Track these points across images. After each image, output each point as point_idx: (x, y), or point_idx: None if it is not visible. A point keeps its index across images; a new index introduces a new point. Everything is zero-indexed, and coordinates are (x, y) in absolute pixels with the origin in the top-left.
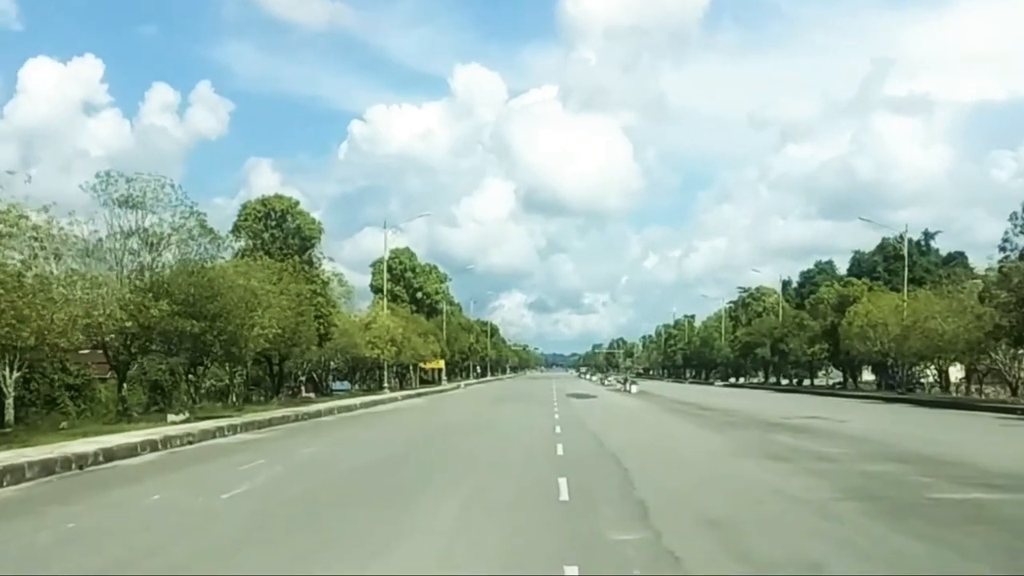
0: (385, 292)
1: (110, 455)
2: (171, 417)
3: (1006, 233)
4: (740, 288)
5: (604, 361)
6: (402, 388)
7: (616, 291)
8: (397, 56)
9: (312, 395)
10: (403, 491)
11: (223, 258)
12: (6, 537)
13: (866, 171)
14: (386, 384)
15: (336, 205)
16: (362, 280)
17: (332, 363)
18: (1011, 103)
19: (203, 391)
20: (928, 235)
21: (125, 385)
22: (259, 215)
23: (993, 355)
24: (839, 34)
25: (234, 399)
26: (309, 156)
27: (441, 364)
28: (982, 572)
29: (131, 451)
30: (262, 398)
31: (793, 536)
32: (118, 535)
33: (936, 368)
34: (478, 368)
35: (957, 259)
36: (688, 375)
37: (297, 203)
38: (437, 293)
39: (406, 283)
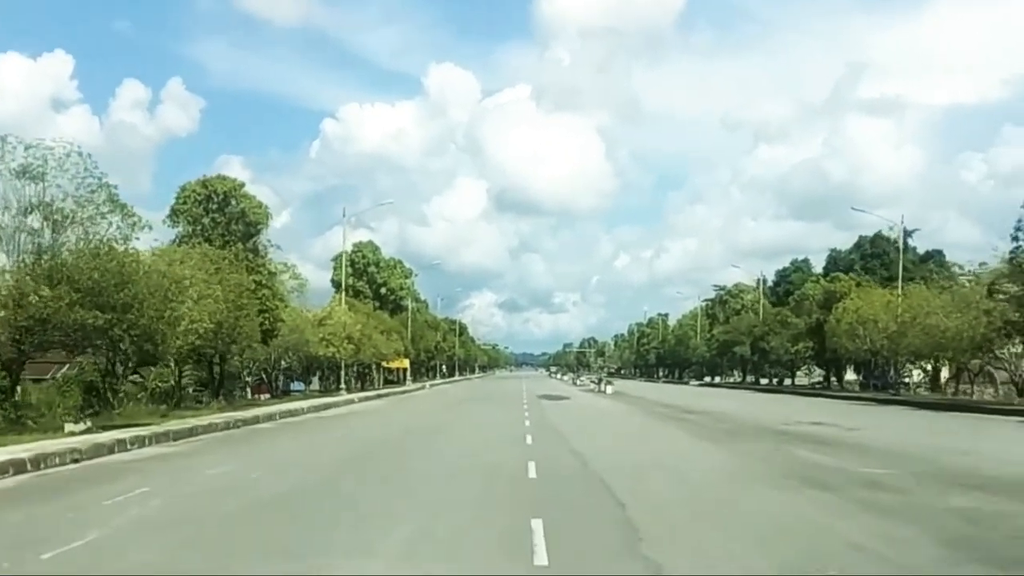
0: (343, 285)
1: None
2: (69, 426)
3: (1020, 221)
4: (716, 286)
5: (575, 360)
6: (363, 389)
7: (587, 291)
8: (370, 54)
9: (265, 396)
10: (309, 545)
11: (138, 239)
12: None
13: (838, 172)
14: (343, 385)
15: (307, 203)
16: (328, 278)
17: (284, 362)
18: (981, 107)
19: (148, 392)
20: (906, 233)
21: (20, 388)
22: (199, 198)
23: (999, 353)
24: (812, 37)
25: (177, 402)
26: (280, 154)
27: (405, 363)
28: None
29: None
30: (211, 400)
31: None
32: None
33: (923, 367)
34: (444, 368)
35: (935, 257)
36: (661, 374)
37: (242, 184)
38: (402, 289)
39: (369, 278)
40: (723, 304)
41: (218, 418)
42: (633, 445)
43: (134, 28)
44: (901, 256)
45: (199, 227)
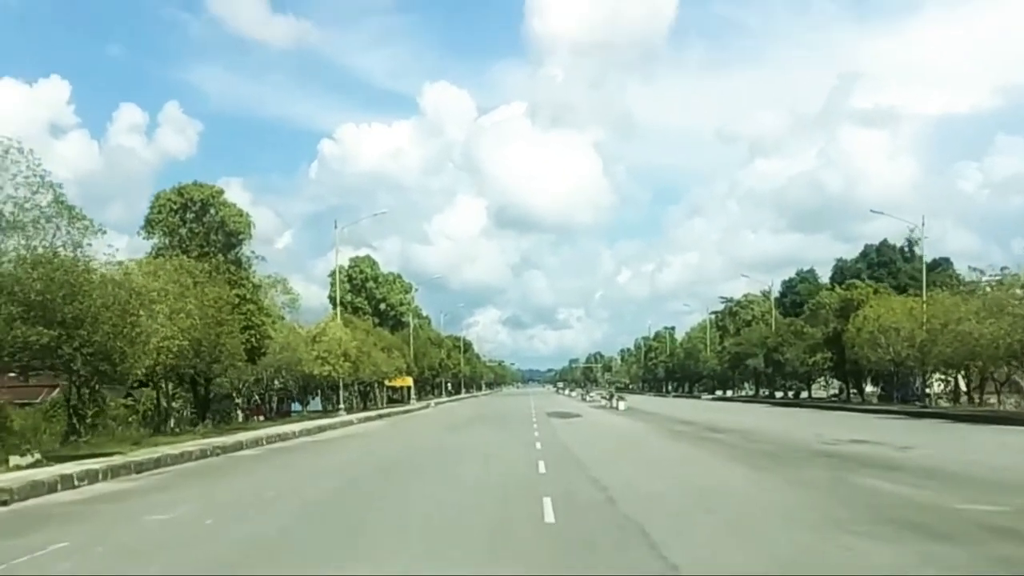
0: (337, 299)
1: None
2: (14, 459)
3: None
4: (722, 298)
5: (582, 376)
6: (365, 408)
7: (590, 306)
8: (366, 75)
9: (262, 418)
10: None
11: (90, 245)
12: None
13: (834, 184)
14: (342, 405)
15: (307, 224)
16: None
17: (277, 382)
18: (974, 116)
19: (139, 415)
20: (911, 241)
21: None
22: (175, 207)
23: None
24: (805, 49)
25: (158, 426)
26: (279, 175)
27: (409, 381)
28: None
29: None
30: (198, 424)
31: None
32: None
33: (943, 377)
34: (449, 386)
35: (942, 265)
36: (670, 389)
37: (221, 192)
38: (402, 304)
39: (368, 294)
40: (733, 315)
41: (195, 445)
42: (663, 473)
43: (129, 53)
44: (923, 262)
45: (176, 238)
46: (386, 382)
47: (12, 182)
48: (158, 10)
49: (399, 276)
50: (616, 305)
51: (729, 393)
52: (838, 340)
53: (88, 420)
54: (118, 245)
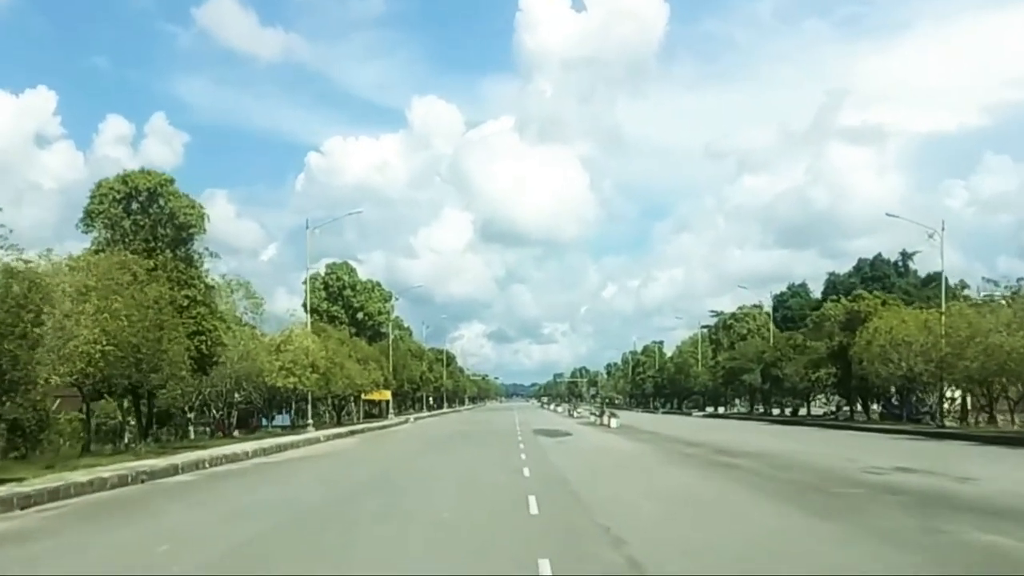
0: (307, 304)
1: None
2: None
3: None
4: (713, 312)
5: (567, 390)
6: (339, 423)
7: (575, 321)
8: (354, 88)
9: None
10: None
11: None
12: None
13: (822, 200)
14: (310, 420)
15: (293, 236)
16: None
17: (238, 395)
18: (961, 134)
19: (91, 431)
20: (906, 255)
21: None
22: (118, 196)
23: None
24: (794, 66)
25: (87, 445)
26: (265, 188)
27: (387, 395)
28: None
29: None
30: (150, 440)
31: None
32: None
33: (951, 395)
34: (430, 400)
35: (936, 280)
36: (657, 404)
37: (171, 180)
38: (381, 314)
39: (345, 302)
40: (727, 329)
41: (116, 470)
42: (693, 519)
43: (115, 64)
44: (943, 264)
45: (118, 232)
46: (362, 396)
47: None
48: (146, 22)
49: (378, 284)
50: (601, 320)
51: (721, 410)
52: (843, 354)
53: (29, 435)
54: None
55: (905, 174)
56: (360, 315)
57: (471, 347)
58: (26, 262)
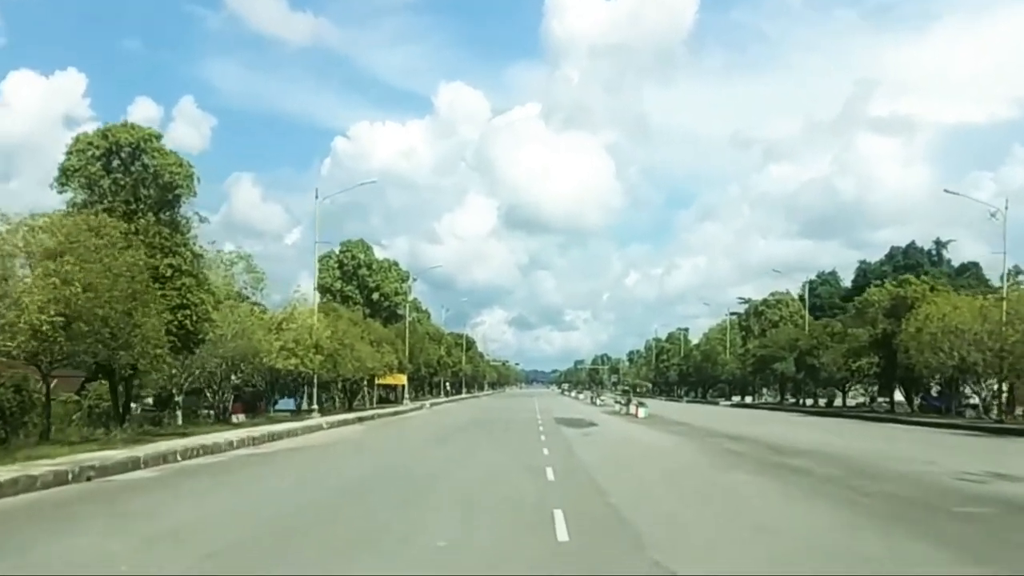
0: (315, 279)
1: None
2: None
3: None
4: (741, 299)
5: (588, 377)
6: (350, 408)
7: (597, 308)
8: (381, 74)
9: (241, 417)
10: None
11: None
12: None
13: (848, 190)
14: (313, 405)
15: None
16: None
17: (234, 377)
18: (990, 125)
19: (84, 413)
20: (940, 244)
21: None
22: (98, 153)
23: None
24: (822, 56)
25: (43, 432)
26: (292, 172)
27: (402, 380)
28: None
29: None
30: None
31: None
32: None
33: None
34: (448, 385)
35: (971, 269)
36: (681, 393)
37: (157, 136)
38: (397, 294)
39: (360, 281)
40: (758, 316)
41: (56, 464)
42: (774, 549)
43: (145, 47)
44: (1005, 246)
45: (97, 192)
46: (376, 380)
47: None
48: (177, 5)
49: (395, 264)
50: (623, 307)
51: (748, 399)
52: (887, 343)
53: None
54: None
55: (933, 165)
56: (375, 295)
57: (492, 333)
58: None
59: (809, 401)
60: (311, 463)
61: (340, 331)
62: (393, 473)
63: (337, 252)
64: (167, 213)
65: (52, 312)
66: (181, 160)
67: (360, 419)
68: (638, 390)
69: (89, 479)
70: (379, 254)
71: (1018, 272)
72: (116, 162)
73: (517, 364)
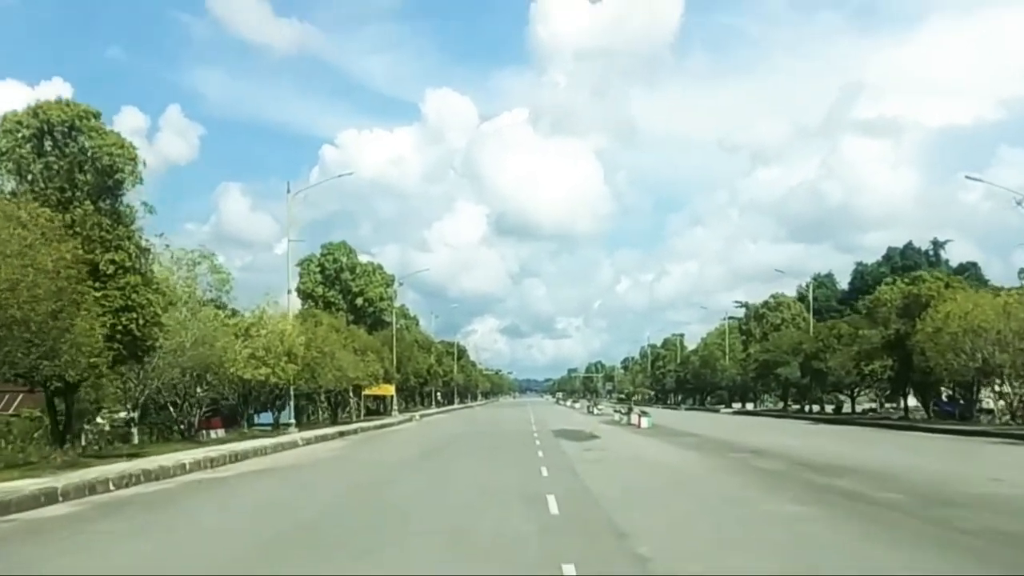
0: (288, 281)
1: None
2: None
3: None
4: (737, 302)
5: (582, 386)
6: (334, 422)
7: (589, 315)
8: (368, 80)
9: (219, 433)
10: None
11: None
12: None
13: (835, 194)
14: (290, 419)
15: (307, 230)
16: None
17: (200, 389)
18: (976, 127)
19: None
20: (937, 244)
21: None
22: (28, 134)
23: None
24: (807, 59)
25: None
26: (280, 180)
27: (390, 390)
28: None
29: None
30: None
31: None
32: None
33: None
34: (439, 396)
35: (970, 269)
36: (678, 400)
37: (96, 114)
38: (382, 300)
39: (343, 286)
40: (759, 319)
41: None
42: None
43: (128, 55)
44: None
45: (27, 178)
46: (363, 391)
47: None
48: (160, 12)
49: (380, 267)
50: (615, 314)
51: (749, 406)
52: (902, 344)
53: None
54: None
55: (920, 167)
56: (359, 301)
57: (484, 342)
58: None
59: (815, 407)
60: (269, 491)
61: (319, 338)
62: (362, 504)
63: (319, 256)
64: (107, 202)
65: None
66: (123, 141)
67: (342, 434)
68: (636, 398)
69: None
70: (363, 258)
71: None
72: (48, 144)
73: (510, 373)
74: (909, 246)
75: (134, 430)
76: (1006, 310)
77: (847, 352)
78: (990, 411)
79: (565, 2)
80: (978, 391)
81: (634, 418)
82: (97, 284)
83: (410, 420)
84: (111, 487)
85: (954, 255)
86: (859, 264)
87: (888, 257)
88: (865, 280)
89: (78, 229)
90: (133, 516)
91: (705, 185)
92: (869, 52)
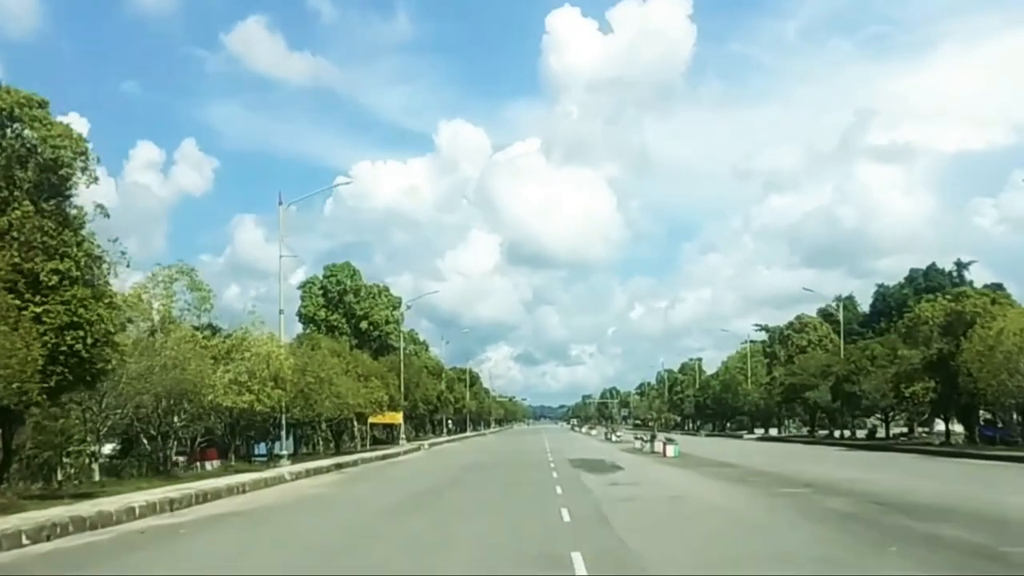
0: (280, 295)
1: None
2: None
3: None
4: (757, 326)
5: (597, 412)
6: (338, 452)
7: (603, 342)
8: (382, 113)
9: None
10: None
11: None
12: None
13: (849, 220)
14: (282, 451)
15: (322, 260)
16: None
17: (177, 419)
18: (989, 152)
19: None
20: (961, 265)
21: None
22: None
23: None
24: (820, 86)
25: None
26: (295, 212)
27: (397, 418)
28: None
29: None
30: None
31: None
32: None
33: None
34: (450, 424)
35: (996, 290)
36: (696, 426)
37: (42, 103)
38: (388, 323)
39: (346, 309)
40: (784, 341)
41: None
42: None
43: (144, 90)
44: None
45: None
46: (369, 419)
47: None
48: (176, 48)
49: (386, 289)
50: (628, 341)
51: (773, 432)
52: (945, 364)
53: None
54: None
55: (933, 193)
56: (364, 324)
57: (498, 369)
58: None
59: (845, 432)
60: (211, 550)
61: (316, 363)
62: (333, 568)
63: (321, 278)
64: (52, 202)
65: None
66: (72, 132)
67: (339, 466)
68: (649, 423)
69: None
70: (352, 265)
71: None
72: None
73: (524, 400)
74: (932, 267)
75: (94, 466)
76: None
77: (883, 374)
78: None
79: (577, 33)
80: (1021, 414)
81: (658, 446)
82: (38, 297)
83: (418, 449)
84: (23, 541)
85: (977, 278)
86: (880, 286)
87: (911, 279)
88: (887, 302)
89: (15, 234)
90: None
91: (718, 212)
92: (881, 79)
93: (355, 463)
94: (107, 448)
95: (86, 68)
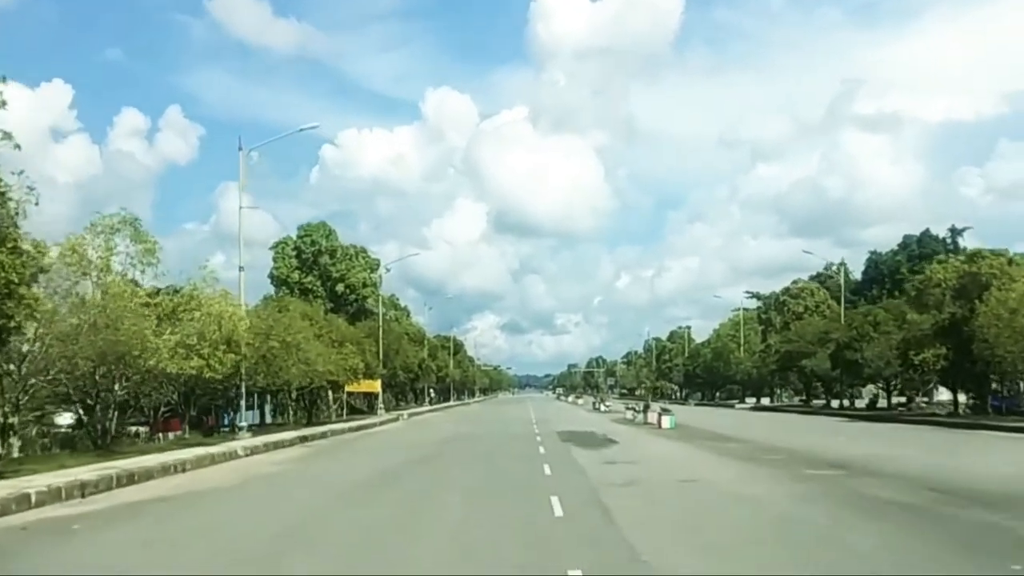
0: (239, 254)
1: None
2: None
3: None
4: (749, 293)
5: (583, 381)
6: (309, 423)
7: (589, 311)
8: (368, 80)
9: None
10: None
11: None
12: None
13: (836, 189)
14: (241, 422)
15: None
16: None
17: (118, 387)
18: (977, 122)
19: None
20: (955, 231)
21: None
22: None
23: None
24: (807, 55)
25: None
26: (280, 180)
27: (376, 387)
28: None
29: None
30: None
31: None
32: None
33: None
34: (431, 392)
35: (988, 257)
36: (684, 395)
37: None
38: (366, 286)
39: (321, 271)
40: (780, 308)
41: None
42: None
43: (130, 57)
44: None
45: None
46: (346, 388)
47: None
48: (160, 14)
49: (363, 250)
50: (615, 311)
51: (765, 401)
52: (958, 330)
53: None
54: None
55: (920, 162)
56: (340, 287)
57: (484, 338)
58: None
59: (843, 401)
60: (99, 559)
61: (282, 326)
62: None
63: (295, 238)
64: None
65: None
66: None
67: (304, 439)
68: (635, 392)
69: None
70: (328, 224)
71: None
72: None
73: (509, 369)
74: (926, 233)
75: (13, 440)
76: None
77: (887, 341)
78: None
79: (565, 1)
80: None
81: (651, 416)
82: None
83: (396, 420)
84: None
85: (970, 245)
86: (873, 253)
87: (905, 245)
88: (880, 270)
89: None
90: None
91: (705, 181)
92: (869, 48)
93: (324, 435)
94: (67, 418)
95: (70, 34)
